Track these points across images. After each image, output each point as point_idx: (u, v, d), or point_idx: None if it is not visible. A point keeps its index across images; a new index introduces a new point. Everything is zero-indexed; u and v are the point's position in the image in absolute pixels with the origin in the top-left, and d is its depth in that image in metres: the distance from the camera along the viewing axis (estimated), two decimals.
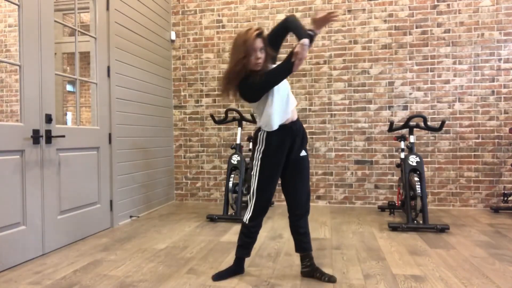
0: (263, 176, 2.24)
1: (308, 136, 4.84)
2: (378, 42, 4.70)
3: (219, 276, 2.34)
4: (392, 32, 4.67)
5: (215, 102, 5.12)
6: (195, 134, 5.19)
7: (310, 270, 2.34)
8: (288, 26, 2.08)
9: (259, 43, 2.08)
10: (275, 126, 2.18)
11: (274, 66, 2.13)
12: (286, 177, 2.31)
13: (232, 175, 4.03)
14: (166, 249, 2.99)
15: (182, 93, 5.21)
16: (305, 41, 2.02)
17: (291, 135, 2.23)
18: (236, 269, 2.41)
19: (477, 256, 2.74)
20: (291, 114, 2.23)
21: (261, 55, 2.08)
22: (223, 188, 5.09)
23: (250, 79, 2.09)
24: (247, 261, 2.67)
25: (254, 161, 2.28)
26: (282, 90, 2.17)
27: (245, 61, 2.06)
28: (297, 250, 2.39)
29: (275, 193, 4.95)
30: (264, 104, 2.16)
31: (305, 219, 2.35)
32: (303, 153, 2.30)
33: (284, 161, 2.26)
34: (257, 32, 2.08)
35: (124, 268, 2.56)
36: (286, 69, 2.04)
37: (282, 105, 2.17)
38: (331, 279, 2.27)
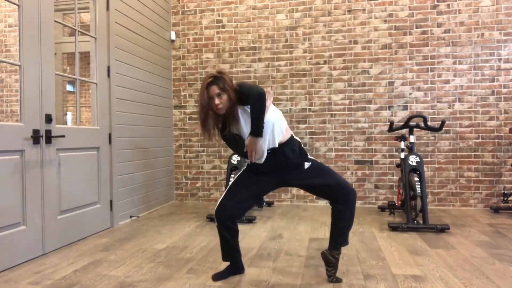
0: (236, 180, 2.34)
1: (308, 136, 4.85)
2: (378, 42, 4.70)
3: (219, 276, 2.34)
4: (392, 32, 4.67)
5: None
6: (195, 134, 5.19)
7: (334, 260, 2.30)
8: (252, 107, 2.07)
9: (212, 90, 2.11)
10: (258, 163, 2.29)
11: (243, 106, 2.16)
12: (307, 189, 2.36)
13: (232, 175, 4.03)
14: (166, 249, 2.99)
15: (182, 93, 5.21)
16: (251, 139, 2.11)
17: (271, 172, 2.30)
18: (235, 269, 2.41)
19: (477, 256, 2.74)
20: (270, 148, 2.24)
21: (218, 100, 2.12)
22: (223, 188, 5.09)
23: (224, 131, 2.26)
24: (247, 261, 2.67)
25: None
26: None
27: (205, 110, 2.16)
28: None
29: (275, 194, 4.96)
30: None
31: (351, 193, 2.31)
32: (306, 165, 2.29)
33: (286, 181, 2.32)
34: (209, 80, 2.13)
35: (124, 268, 2.56)
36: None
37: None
38: (338, 280, 2.27)
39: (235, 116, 2.17)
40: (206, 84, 2.14)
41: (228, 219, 2.26)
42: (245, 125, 2.20)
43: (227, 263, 2.46)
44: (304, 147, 4.81)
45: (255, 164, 2.26)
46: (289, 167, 2.28)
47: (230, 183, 2.39)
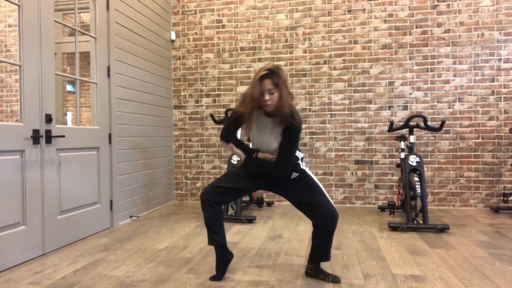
0: (227, 172, 2.40)
1: (308, 136, 4.85)
2: (378, 42, 4.70)
3: (215, 278, 2.34)
4: (392, 32, 4.67)
5: (215, 102, 5.12)
6: (195, 134, 5.19)
7: (314, 272, 2.34)
8: (277, 162, 2.18)
9: (266, 85, 2.06)
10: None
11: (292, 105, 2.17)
12: (290, 201, 2.34)
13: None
14: (166, 249, 2.99)
15: (182, 93, 5.21)
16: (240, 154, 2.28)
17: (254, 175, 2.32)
18: (224, 259, 2.37)
19: (477, 256, 2.74)
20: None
21: (269, 96, 2.07)
22: None
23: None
24: (247, 260, 2.67)
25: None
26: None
27: (254, 103, 2.11)
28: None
29: (275, 194, 4.95)
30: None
31: (332, 216, 2.24)
32: (293, 175, 2.27)
33: (271, 188, 2.34)
34: (263, 73, 2.07)
35: (124, 268, 2.56)
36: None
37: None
38: (335, 280, 2.27)
39: (263, 120, 2.18)
40: (260, 76, 2.07)
41: (209, 198, 2.26)
42: (259, 133, 2.22)
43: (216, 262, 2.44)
44: (304, 147, 4.83)
45: (246, 165, 2.30)
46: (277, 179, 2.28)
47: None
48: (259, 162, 2.23)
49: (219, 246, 2.35)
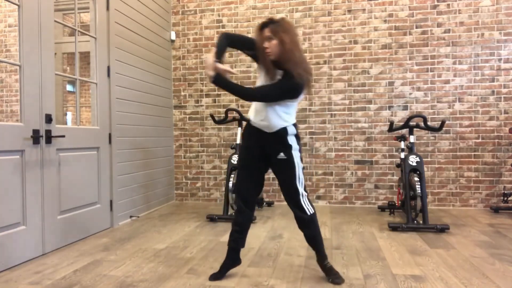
0: (238, 165, 2.40)
1: (308, 136, 4.85)
2: (378, 42, 4.70)
3: (216, 276, 2.34)
4: (392, 32, 4.67)
5: (215, 102, 5.12)
6: (195, 134, 5.19)
7: (322, 268, 2.36)
8: (249, 88, 2.15)
9: (264, 33, 2.11)
10: (251, 117, 2.32)
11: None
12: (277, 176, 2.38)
13: (232, 175, 4.03)
14: (166, 249, 2.99)
15: (182, 93, 5.21)
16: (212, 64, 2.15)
17: (259, 140, 2.31)
18: (231, 262, 2.40)
19: (477, 256, 2.74)
20: (265, 124, 2.25)
21: (268, 44, 2.11)
22: (223, 188, 5.09)
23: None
24: (247, 260, 2.67)
25: None
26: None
27: (259, 51, 2.14)
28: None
29: (275, 194, 4.95)
30: None
31: (300, 219, 2.31)
32: (280, 155, 2.28)
33: (266, 161, 2.35)
34: (262, 22, 2.14)
35: (124, 268, 2.56)
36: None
37: (258, 107, 2.26)
38: (335, 281, 2.26)
39: (270, 69, 2.14)
40: (260, 25, 2.14)
41: (241, 200, 2.37)
42: (263, 82, 2.21)
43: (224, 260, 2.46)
44: (304, 147, 4.83)
45: (251, 131, 2.33)
46: (276, 149, 2.28)
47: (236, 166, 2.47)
48: (225, 80, 2.13)
49: (235, 249, 2.40)
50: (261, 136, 2.30)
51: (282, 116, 2.24)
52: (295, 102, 2.25)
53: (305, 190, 2.32)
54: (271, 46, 2.10)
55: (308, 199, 2.33)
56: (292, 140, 2.29)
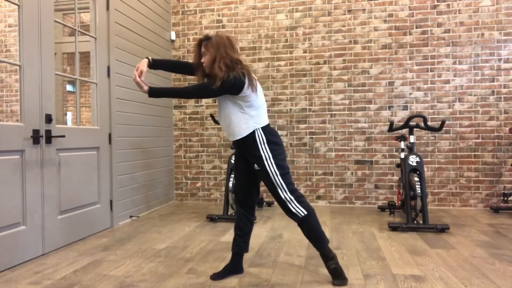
0: (233, 168, 2.52)
1: (308, 136, 4.85)
2: (378, 42, 4.70)
3: (218, 276, 2.35)
4: (392, 32, 4.67)
5: (215, 102, 5.11)
6: (195, 134, 5.19)
7: (326, 269, 2.33)
8: (186, 88, 2.32)
9: (201, 48, 2.35)
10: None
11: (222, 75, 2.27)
12: None
13: (232, 175, 4.03)
14: (166, 249, 2.99)
15: None
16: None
17: (239, 147, 2.37)
18: (233, 267, 2.41)
19: (477, 256, 2.74)
20: (226, 132, 2.35)
21: (204, 58, 2.34)
22: (223, 188, 5.09)
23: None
24: (247, 260, 2.67)
25: None
26: (219, 105, 2.37)
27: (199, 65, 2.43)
28: None
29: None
30: None
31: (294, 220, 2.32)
32: (255, 166, 2.30)
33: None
34: (201, 38, 2.38)
35: (124, 268, 2.56)
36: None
37: (220, 116, 2.38)
38: (334, 282, 2.25)
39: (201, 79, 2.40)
40: (198, 40, 2.39)
41: (237, 205, 2.45)
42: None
43: (227, 263, 2.46)
44: (304, 147, 4.83)
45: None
46: (244, 149, 2.33)
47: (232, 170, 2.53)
48: (160, 90, 2.27)
49: (238, 254, 2.43)
50: (237, 143, 2.36)
51: (240, 121, 2.25)
52: (247, 101, 2.24)
53: (293, 193, 2.25)
54: (205, 60, 2.33)
55: (300, 200, 2.26)
56: (262, 148, 2.24)
